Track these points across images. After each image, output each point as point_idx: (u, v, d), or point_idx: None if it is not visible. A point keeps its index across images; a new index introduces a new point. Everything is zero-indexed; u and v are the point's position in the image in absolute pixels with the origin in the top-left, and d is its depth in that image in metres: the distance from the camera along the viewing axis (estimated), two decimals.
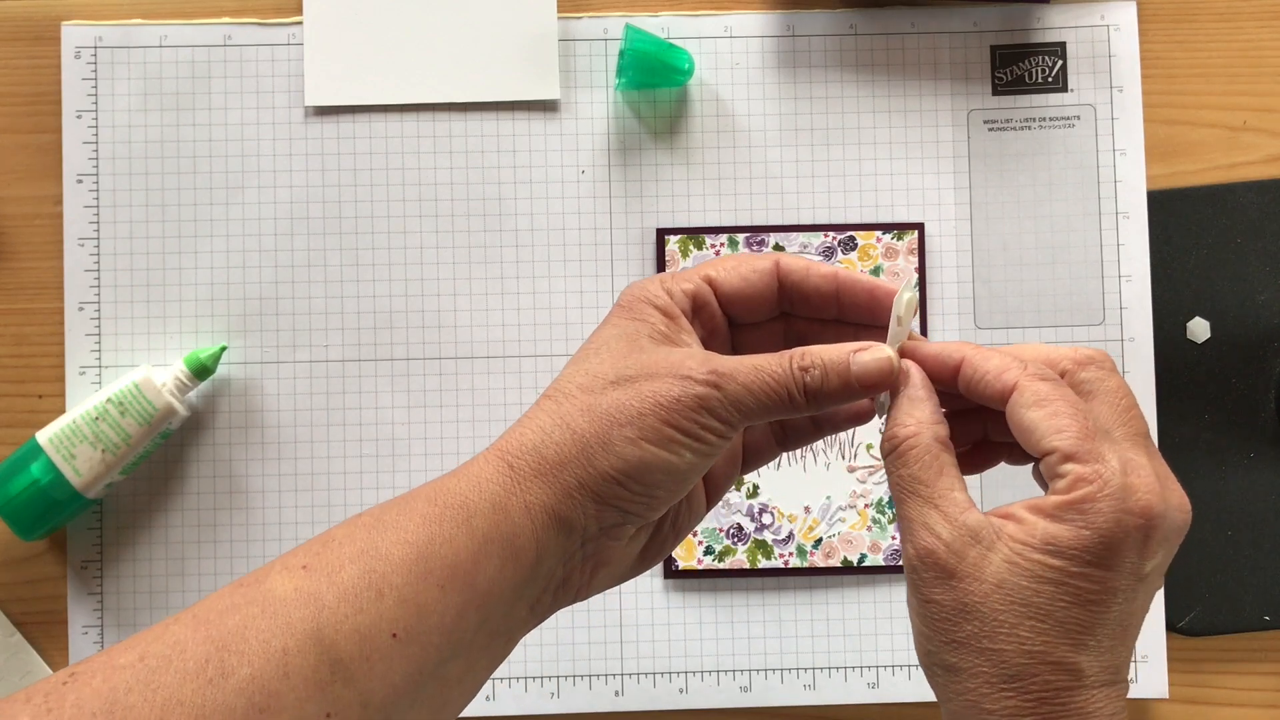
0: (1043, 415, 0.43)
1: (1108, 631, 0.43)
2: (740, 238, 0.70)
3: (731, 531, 0.69)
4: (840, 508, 0.69)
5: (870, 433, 0.70)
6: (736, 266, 0.48)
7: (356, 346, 0.70)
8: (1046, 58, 0.71)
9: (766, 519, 0.70)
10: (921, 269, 0.70)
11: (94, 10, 0.71)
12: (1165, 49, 0.72)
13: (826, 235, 0.70)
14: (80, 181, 0.70)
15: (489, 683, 0.69)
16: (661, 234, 0.70)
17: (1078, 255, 0.71)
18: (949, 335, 0.70)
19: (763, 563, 0.69)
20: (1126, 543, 0.42)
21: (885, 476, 0.69)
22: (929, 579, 0.43)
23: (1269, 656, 0.70)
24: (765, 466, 0.69)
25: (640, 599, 0.70)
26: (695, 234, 0.70)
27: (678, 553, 0.69)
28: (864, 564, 0.69)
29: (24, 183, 0.70)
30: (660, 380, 0.44)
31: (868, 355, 0.45)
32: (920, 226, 0.70)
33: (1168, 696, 0.69)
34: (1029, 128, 0.71)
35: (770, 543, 0.69)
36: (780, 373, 0.45)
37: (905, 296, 0.46)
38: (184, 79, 0.70)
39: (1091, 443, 0.42)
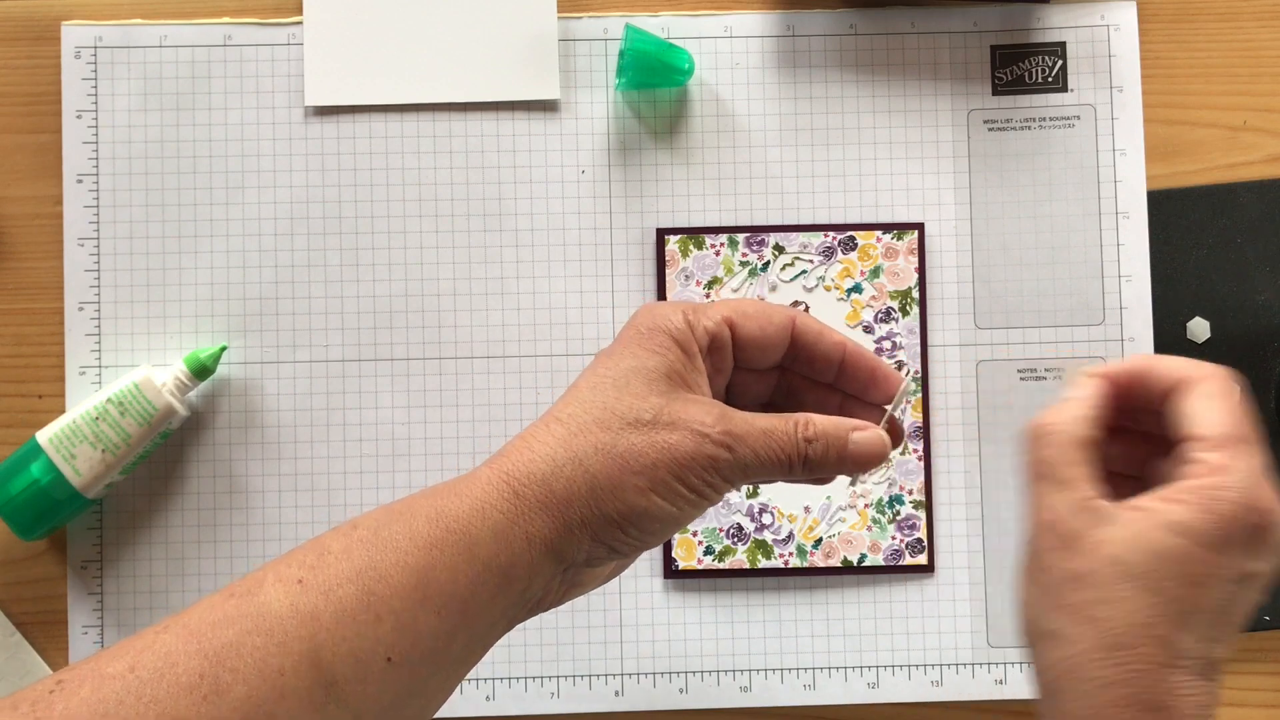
0: (1207, 406, 0.46)
1: (1208, 619, 0.44)
2: (740, 238, 0.70)
3: (731, 531, 0.69)
4: (840, 508, 0.69)
5: None
6: (757, 315, 0.49)
7: (356, 346, 0.70)
8: (1046, 58, 0.71)
9: (766, 519, 0.70)
10: (921, 269, 0.70)
11: (94, 10, 0.71)
12: (1165, 49, 0.72)
13: (826, 235, 0.70)
14: (80, 181, 0.70)
15: (489, 683, 0.69)
16: (661, 234, 0.70)
17: (1078, 255, 0.71)
18: (948, 335, 0.70)
19: (763, 562, 0.69)
20: (1241, 535, 0.44)
21: (885, 476, 0.69)
22: (1047, 546, 0.45)
23: (1269, 656, 0.70)
24: None
25: (640, 599, 0.70)
26: (695, 234, 0.70)
27: (678, 553, 0.69)
28: (864, 564, 0.69)
29: (24, 183, 0.71)
30: (677, 432, 0.45)
31: (864, 436, 0.48)
32: (920, 226, 0.70)
33: None
34: (1029, 128, 0.71)
35: (770, 542, 0.69)
36: (787, 443, 0.47)
37: (912, 388, 0.48)
38: (184, 79, 0.70)
39: (1238, 441, 0.45)
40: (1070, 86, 0.71)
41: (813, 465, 0.48)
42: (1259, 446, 0.46)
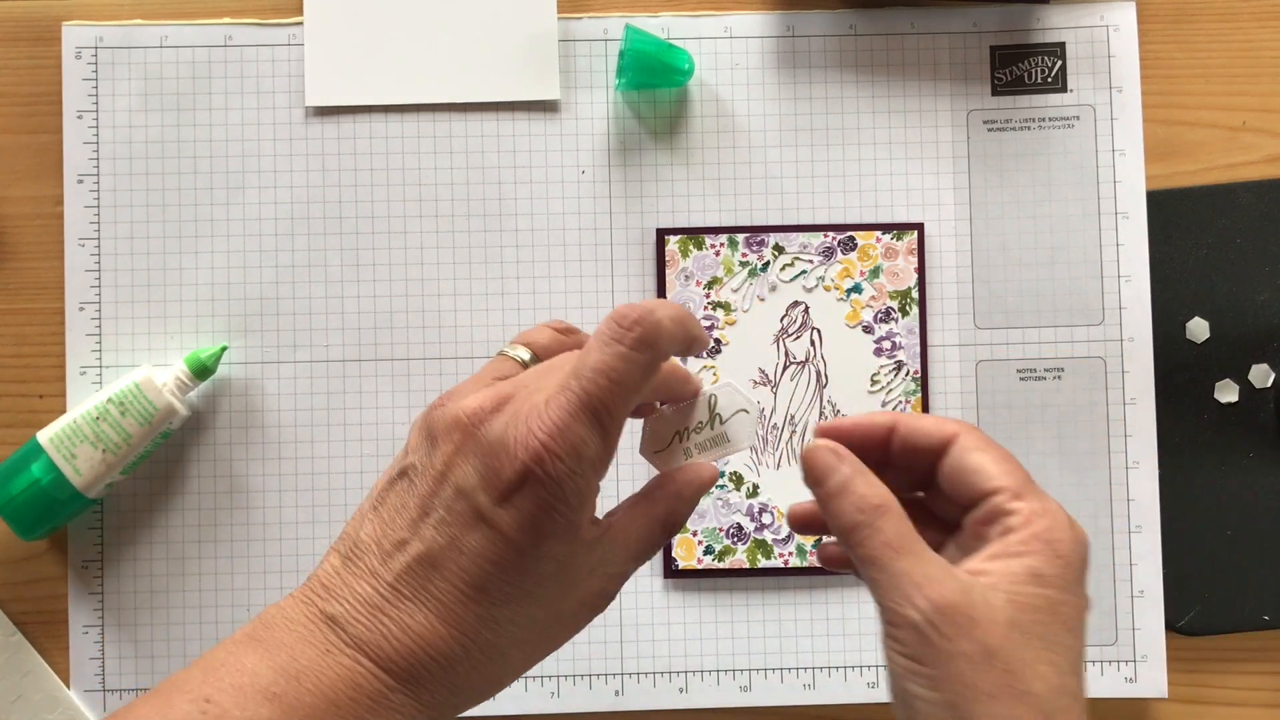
0: (989, 459, 0.45)
1: (1082, 661, 0.43)
2: (740, 238, 0.70)
3: (731, 531, 0.69)
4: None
5: None
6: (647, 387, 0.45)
7: (357, 346, 0.70)
8: (1046, 58, 0.71)
9: (766, 518, 0.70)
10: (921, 269, 0.70)
11: (95, 10, 0.71)
12: (1165, 49, 0.72)
13: (826, 235, 0.70)
14: (81, 181, 0.70)
15: None
16: (661, 234, 0.70)
17: (1077, 255, 0.71)
18: (948, 335, 0.70)
19: (763, 562, 0.69)
20: (1082, 568, 0.44)
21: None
22: (951, 631, 0.41)
23: (1269, 656, 0.70)
24: (765, 467, 0.70)
25: (640, 599, 0.70)
26: (695, 234, 0.70)
27: (678, 553, 0.69)
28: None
29: (24, 183, 0.71)
30: (585, 612, 0.45)
31: (697, 481, 0.48)
32: (920, 227, 0.71)
33: (1167, 696, 0.69)
34: (1029, 128, 0.71)
35: (770, 542, 0.69)
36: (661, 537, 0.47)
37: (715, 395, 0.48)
38: (184, 79, 0.70)
39: (1030, 487, 0.44)
40: (1070, 87, 0.71)
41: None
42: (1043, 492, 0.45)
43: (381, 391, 0.70)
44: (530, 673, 0.69)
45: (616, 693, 0.69)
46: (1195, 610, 0.70)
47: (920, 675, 0.42)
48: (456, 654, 0.42)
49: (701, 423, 0.48)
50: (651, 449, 0.48)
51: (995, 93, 0.71)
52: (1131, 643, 0.69)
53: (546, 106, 0.71)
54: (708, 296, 0.70)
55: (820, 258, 0.70)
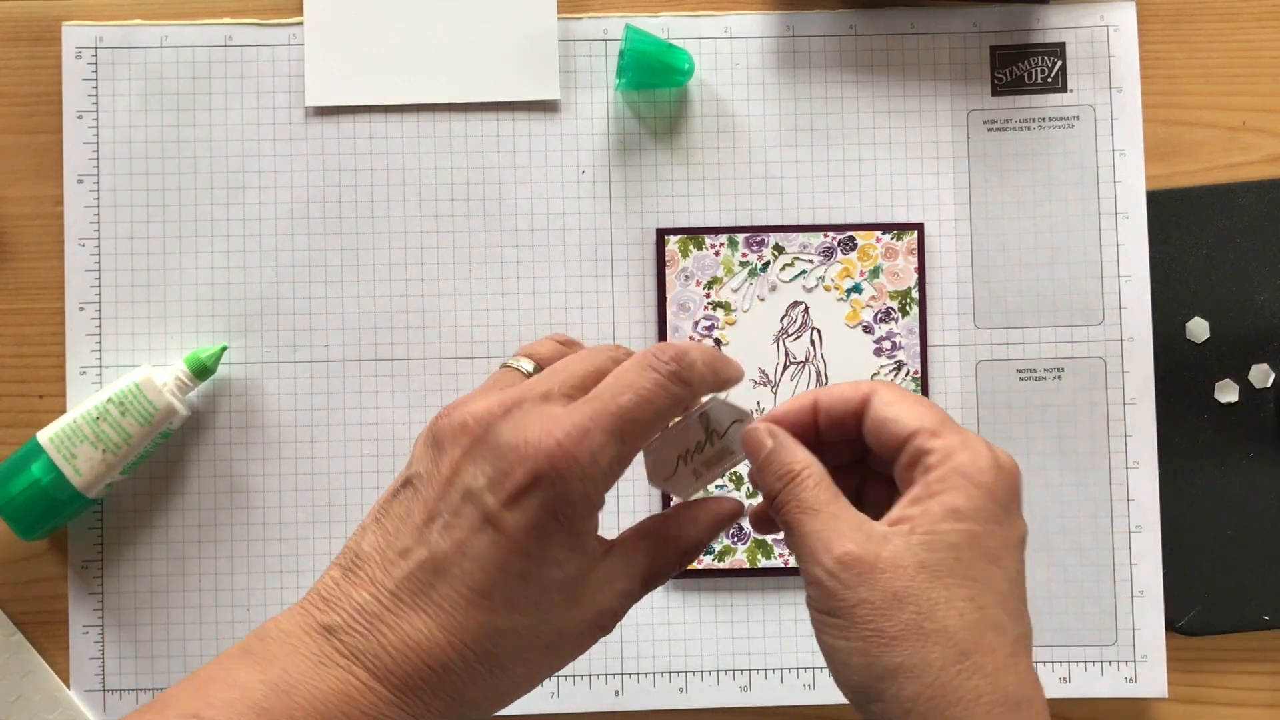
0: (903, 407, 0.45)
1: (1015, 592, 0.44)
2: (740, 238, 0.70)
3: (731, 531, 0.69)
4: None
5: None
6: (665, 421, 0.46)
7: (357, 346, 0.70)
8: (1046, 58, 0.71)
9: None
10: (921, 269, 0.70)
11: (95, 11, 0.71)
12: (1165, 49, 0.72)
13: (826, 235, 0.70)
14: (81, 181, 0.70)
15: None
16: (661, 234, 0.70)
17: (1077, 255, 0.71)
18: (948, 335, 0.70)
19: (763, 562, 0.69)
20: (1007, 497, 0.44)
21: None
22: (852, 580, 0.43)
23: (1269, 656, 0.70)
24: None
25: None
26: (695, 234, 0.70)
27: None
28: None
29: (24, 183, 0.71)
30: (586, 636, 0.44)
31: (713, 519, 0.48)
32: (920, 227, 0.71)
33: (1167, 696, 0.69)
34: (1028, 128, 0.71)
35: (770, 542, 0.69)
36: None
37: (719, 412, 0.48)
38: (184, 79, 0.70)
39: (947, 425, 0.45)
40: (1070, 87, 0.71)
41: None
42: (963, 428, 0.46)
43: (381, 391, 0.70)
44: None
45: (616, 693, 0.69)
46: (1195, 610, 0.70)
47: (831, 627, 0.43)
48: (455, 665, 0.42)
49: (700, 441, 0.48)
50: (660, 477, 0.48)
51: (995, 93, 0.71)
52: (1131, 643, 0.69)
53: (546, 106, 0.71)
54: (708, 296, 0.70)
55: (820, 258, 0.70)
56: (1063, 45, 0.71)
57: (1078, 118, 0.71)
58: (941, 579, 0.42)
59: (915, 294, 0.70)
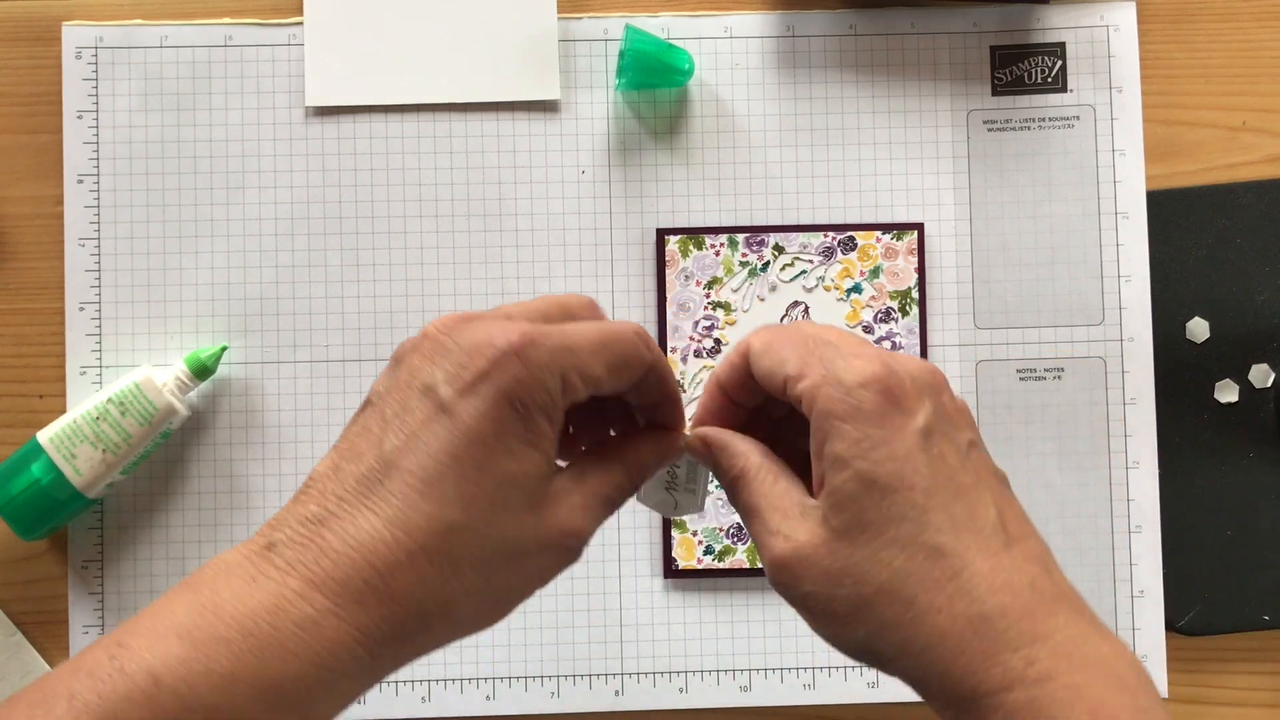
0: (770, 356, 0.44)
1: (942, 488, 0.41)
2: (740, 238, 0.70)
3: (731, 531, 0.69)
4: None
5: None
6: (625, 365, 0.43)
7: (357, 346, 0.70)
8: (1046, 58, 0.71)
9: None
10: (921, 269, 0.70)
11: (95, 11, 0.71)
12: (1165, 49, 0.72)
13: (826, 235, 0.70)
14: (81, 181, 0.70)
15: (489, 682, 0.69)
16: (661, 234, 0.70)
17: (1077, 255, 0.71)
18: (948, 335, 0.70)
19: None
20: (884, 404, 0.41)
21: None
22: (790, 580, 0.42)
23: (1269, 656, 0.70)
24: None
25: (640, 599, 0.70)
26: (695, 234, 0.70)
27: (678, 552, 0.69)
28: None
29: (25, 183, 0.71)
30: (549, 554, 0.41)
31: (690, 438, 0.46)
32: (920, 227, 0.70)
33: (1167, 696, 0.69)
34: (1028, 128, 0.71)
35: None
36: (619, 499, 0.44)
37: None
38: (184, 79, 0.70)
39: (810, 356, 0.42)
40: (1070, 87, 0.71)
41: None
42: (826, 347, 0.43)
43: None
44: (530, 673, 0.69)
45: (616, 693, 0.69)
46: (1195, 610, 0.70)
47: (806, 620, 0.43)
48: (402, 564, 0.38)
49: (674, 470, 0.49)
50: (666, 513, 0.50)
51: (995, 93, 0.71)
52: (1131, 643, 0.69)
53: (546, 106, 0.71)
54: (708, 296, 0.70)
55: (820, 258, 0.70)
56: (1063, 45, 0.71)
57: (1078, 118, 0.71)
58: (857, 541, 0.41)
59: (915, 294, 0.70)
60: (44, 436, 0.66)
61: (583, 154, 0.71)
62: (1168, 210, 0.71)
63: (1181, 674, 0.70)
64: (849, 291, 0.70)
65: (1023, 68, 0.71)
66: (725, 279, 0.70)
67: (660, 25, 0.71)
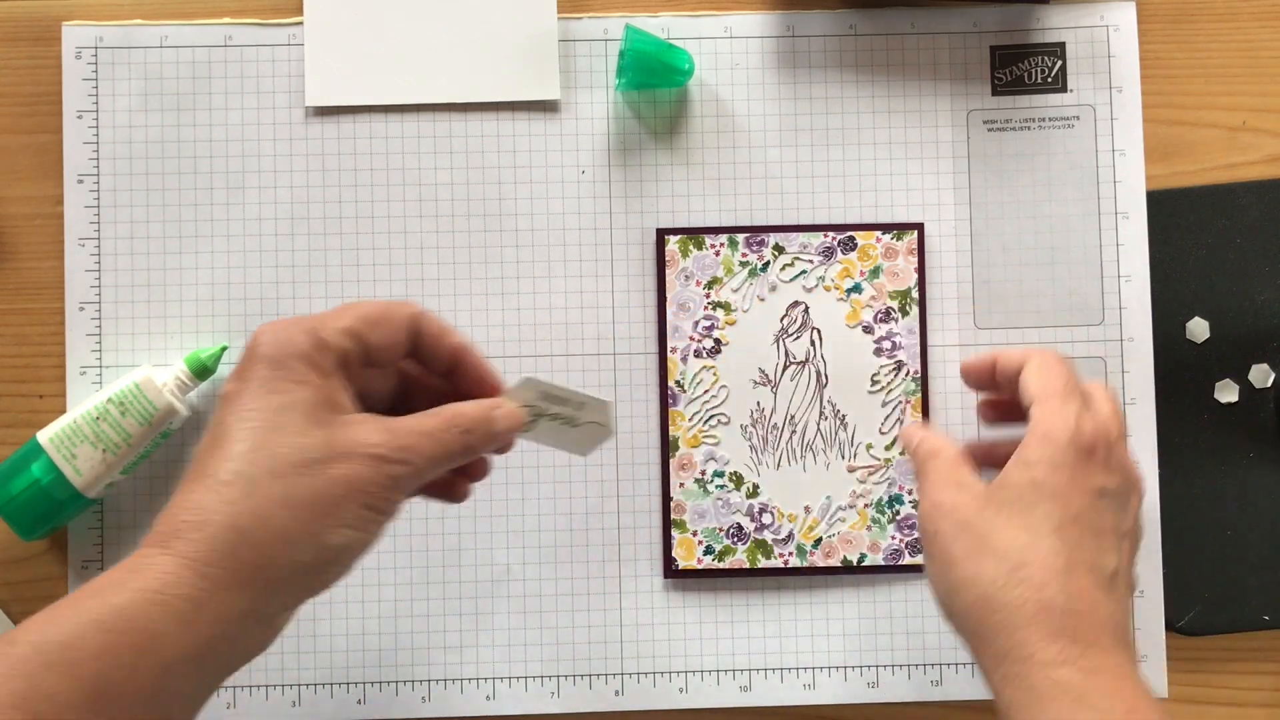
0: (1036, 378, 0.55)
1: (1081, 529, 0.51)
2: (740, 238, 0.70)
3: (731, 531, 0.69)
4: (840, 507, 0.70)
5: (870, 433, 0.70)
6: (381, 320, 0.50)
7: None
8: (1046, 58, 0.71)
9: (766, 519, 0.70)
10: (921, 269, 0.70)
11: (95, 11, 0.71)
12: (1165, 49, 0.72)
13: (826, 235, 0.70)
14: (81, 181, 0.70)
15: (489, 682, 0.69)
16: (661, 234, 0.70)
17: (1077, 255, 0.71)
18: (948, 335, 0.70)
19: (762, 562, 0.69)
20: (1078, 454, 0.52)
21: (885, 476, 0.69)
22: (936, 516, 0.53)
23: (1269, 656, 0.70)
24: (765, 467, 0.70)
25: (640, 599, 0.70)
26: (695, 234, 0.70)
27: (678, 552, 0.69)
28: (863, 564, 0.69)
29: (25, 183, 0.71)
30: (353, 461, 0.46)
31: (503, 412, 0.51)
32: (920, 226, 0.71)
33: (1167, 696, 0.69)
34: (1028, 128, 0.71)
35: (770, 542, 0.69)
36: (450, 439, 0.49)
37: (515, 387, 0.53)
38: (184, 79, 0.70)
39: (1061, 394, 0.53)
40: (1070, 87, 0.71)
41: (472, 450, 0.50)
42: (1078, 396, 0.54)
43: None
44: (530, 673, 0.69)
45: (616, 693, 0.69)
46: (1195, 610, 0.70)
47: (925, 556, 0.54)
48: (203, 491, 0.45)
49: (556, 413, 0.54)
50: (553, 442, 0.55)
51: (995, 93, 0.71)
52: (1132, 643, 0.69)
53: (546, 106, 0.71)
54: (708, 296, 0.70)
55: (820, 258, 0.70)
56: (1063, 45, 0.71)
57: (1078, 118, 0.71)
58: (1002, 511, 0.51)
59: (915, 294, 0.70)
60: (44, 436, 0.66)
61: (583, 154, 0.71)
62: (1168, 210, 0.71)
63: (1181, 674, 0.70)
64: (849, 291, 0.70)
65: (1023, 68, 0.71)
66: (725, 279, 0.70)
67: (660, 25, 0.71)
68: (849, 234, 0.70)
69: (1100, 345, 0.70)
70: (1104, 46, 0.71)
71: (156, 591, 0.43)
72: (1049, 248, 0.71)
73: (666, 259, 0.70)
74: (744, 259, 0.70)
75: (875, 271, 0.70)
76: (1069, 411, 0.53)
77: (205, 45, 0.70)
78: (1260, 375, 0.70)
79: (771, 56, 0.71)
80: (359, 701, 0.69)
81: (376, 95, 0.71)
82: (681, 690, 0.69)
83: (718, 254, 0.70)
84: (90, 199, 0.70)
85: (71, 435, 0.65)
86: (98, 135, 0.70)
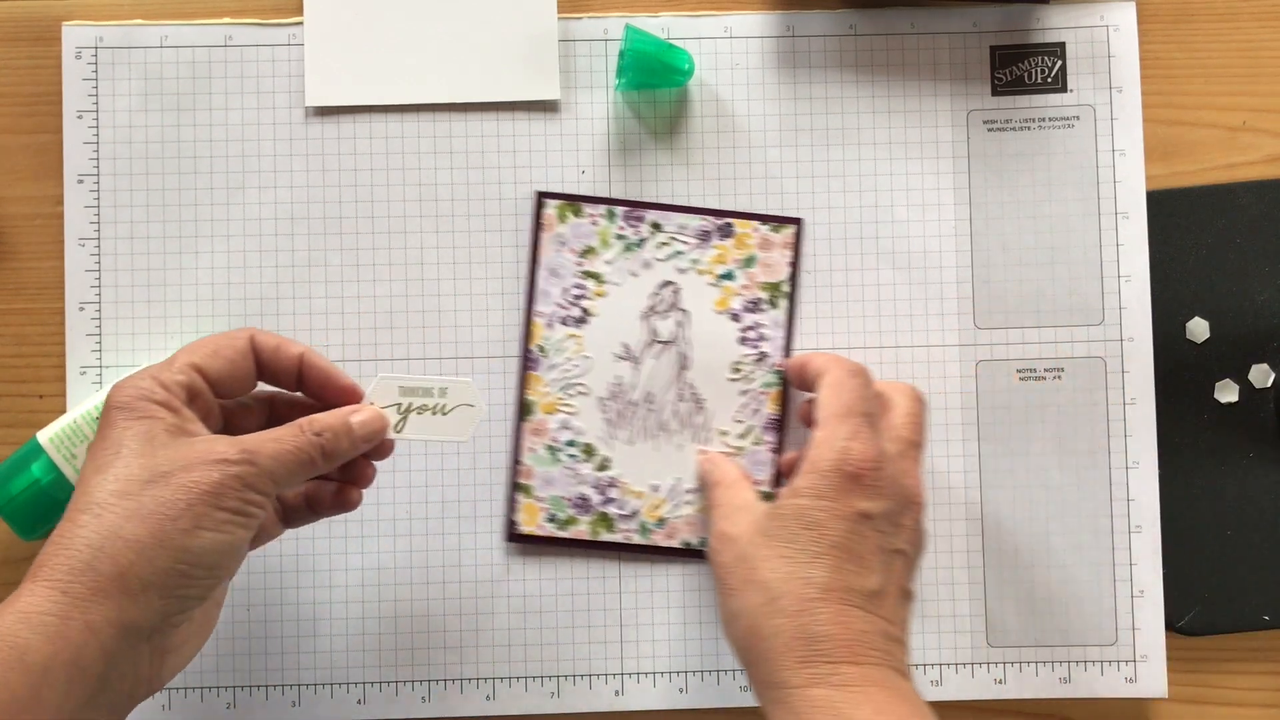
0: (827, 394, 0.59)
1: (836, 552, 0.54)
2: (620, 210, 0.70)
3: (576, 501, 0.69)
4: (688, 490, 0.69)
5: (725, 420, 0.69)
6: (217, 350, 0.54)
7: (357, 346, 0.70)
8: (1046, 58, 0.71)
9: (614, 493, 0.69)
10: (795, 263, 0.70)
11: (95, 10, 0.71)
12: (1165, 49, 0.72)
13: (705, 219, 0.70)
14: (81, 181, 0.70)
15: (489, 682, 0.69)
16: (541, 196, 0.70)
17: (1077, 255, 0.71)
18: (948, 335, 0.71)
19: (604, 536, 0.69)
20: (842, 482, 0.55)
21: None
22: (719, 548, 0.59)
23: (1269, 656, 0.70)
24: (619, 442, 0.69)
25: (640, 599, 0.70)
26: (574, 200, 0.70)
27: (520, 516, 0.69)
28: (704, 547, 0.69)
29: (24, 183, 0.71)
30: (197, 469, 0.49)
31: (362, 417, 0.55)
32: (799, 221, 0.71)
33: (1167, 696, 0.69)
34: (1028, 128, 0.71)
35: (614, 517, 0.69)
36: (301, 441, 0.52)
37: (373, 390, 0.57)
38: (184, 79, 0.70)
39: (840, 416, 0.57)
40: (1070, 87, 0.71)
41: (331, 453, 0.53)
42: (856, 418, 0.57)
43: None
44: (530, 673, 0.69)
45: (616, 693, 0.69)
46: (1195, 610, 0.70)
47: (716, 586, 0.58)
48: (66, 533, 0.48)
49: (426, 405, 0.57)
50: (425, 434, 0.58)
51: (995, 93, 0.71)
52: (1131, 643, 0.69)
53: (546, 106, 0.71)
54: (580, 265, 0.70)
55: (696, 240, 0.70)
56: (1063, 45, 0.71)
57: (1078, 118, 0.71)
58: (770, 542, 0.56)
59: (787, 288, 0.70)
60: (44, 436, 0.66)
61: (583, 154, 0.71)
62: (1168, 210, 0.71)
63: (1181, 674, 0.70)
64: (721, 277, 0.70)
65: (1023, 68, 0.71)
66: (600, 250, 0.70)
67: (660, 25, 0.71)
68: (727, 220, 0.70)
69: (1100, 345, 0.70)
70: (1104, 46, 0.71)
71: (23, 612, 0.46)
72: (1049, 248, 0.71)
73: (543, 222, 0.70)
74: (620, 232, 0.70)
75: (749, 260, 0.70)
76: (839, 437, 0.56)
77: (205, 45, 0.70)
78: (1260, 375, 0.70)
79: (771, 56, 0.71)
80: (359, 701, 0.69)
81: (376, 95, 0.71)
82: (681, 690, 0.69)
83: (595, 224, 0.70)
84: (90, 199, 0.70)
85: (71, 435, 0.65)
86: (98, 135, 0.70)
